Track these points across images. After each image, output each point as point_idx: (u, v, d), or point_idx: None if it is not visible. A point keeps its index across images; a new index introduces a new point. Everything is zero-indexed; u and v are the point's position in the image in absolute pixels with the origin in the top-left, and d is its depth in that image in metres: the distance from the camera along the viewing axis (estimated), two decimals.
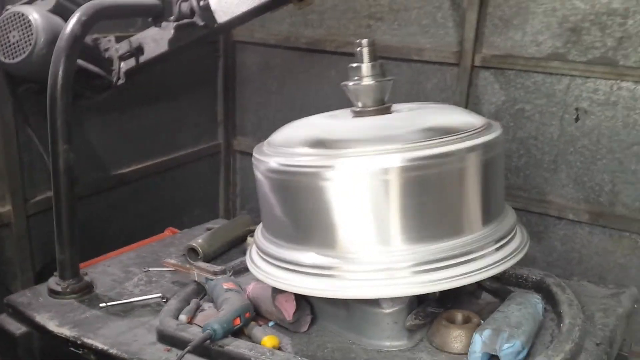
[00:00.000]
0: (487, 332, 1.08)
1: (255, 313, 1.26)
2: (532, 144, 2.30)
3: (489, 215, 1.15)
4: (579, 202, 2.28)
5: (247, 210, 2.93)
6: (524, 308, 1.17)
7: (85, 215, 1.49)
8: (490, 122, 1.22)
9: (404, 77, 2.46)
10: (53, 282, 1.48)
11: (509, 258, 1.13)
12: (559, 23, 2.14)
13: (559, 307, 1.22)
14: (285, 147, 1.16)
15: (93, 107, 1.98)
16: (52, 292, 1.46)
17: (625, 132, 2.08)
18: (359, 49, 1.20)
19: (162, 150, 2.54)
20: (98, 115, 2.13)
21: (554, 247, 2.37)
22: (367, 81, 1.20)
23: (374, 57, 1.20)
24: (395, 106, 1.27)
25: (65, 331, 1.31)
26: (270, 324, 1.28)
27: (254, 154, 1.24)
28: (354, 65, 1.21)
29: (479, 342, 1.07)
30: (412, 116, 1.21)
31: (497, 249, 1.12)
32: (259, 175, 1.22)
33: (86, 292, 1.47)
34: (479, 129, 1.14)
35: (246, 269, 1.40)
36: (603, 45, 2.10)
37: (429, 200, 1.09)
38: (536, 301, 1.22)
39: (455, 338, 1.14)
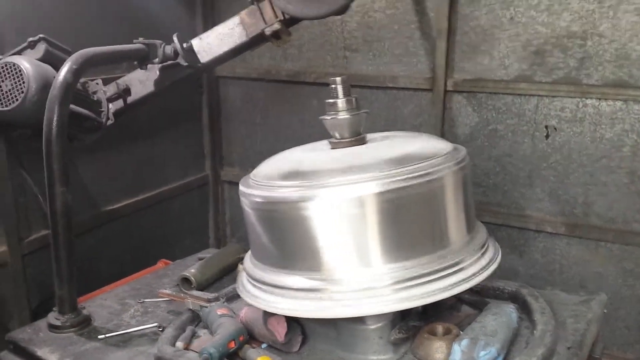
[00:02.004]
0: (465, 342, 1.16)
1: (248, 336, 1.32)
2: (507, 162, 2.40)
3: (461, 231, 1.23)
4: (555, 215, 2.37)
5: (237, 239, 3.00)
6: (499, 317, 1.25)
7: (79, 251, 1.55)
8: (456, 146, 1.31)
9: (382, 104, 2.56)
10: (52, 317, 1.53)
11: (483, 270, 1.21)
12: (523, 47, 2.26)
13: (532, 315, 1.31)
14: (269, 180, 1.25)
15: (82, 147, 2.04)
16: (52, 327, 1.51)
17: (593, 146, 2.19)
18: (333, 85, 1.30)
19: (152, 184, 2.60)
20: (88, 154, 2.20)
21: (536, 259, 2.45)
22: (343, 115, 1.30)
23: (348, 93, 1.30)
24: (369, 136, 1.36)
25: None
26: (264, 345, 1.34)
27: (241, 186, 1.32)
28: (331, 101, 1.31)
29: (458, 351, 1.15)
30: (385, 145, 1.30)
31: (471, 264, 1.20)
32: (245, 207, 1.30)
33: (85, 325, 1.53)
34: (446, 155, 1.23)
35: (238, 295, 1.47)
36: (566, 65, 2.22)
37: (404, 222, 1.17)
38: (511, 311, 1.30)
39: (436, 349, 1.21)
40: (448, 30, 2.32)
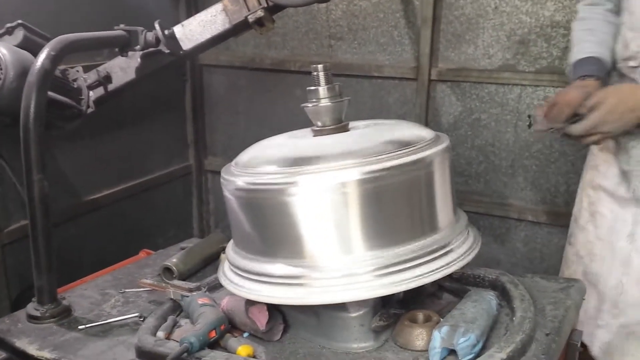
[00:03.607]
0: (444, 329, 1.16)
1: (230, 325, 1.32)
2: (490, 151, 2.42)
3: (442, 219, 1.24)
4: (537, 204, 2.40)
5: (222, 228, 2.99)
6: (479, 305, 1.26)
7: (59, 241, 1.53)
8: (438, 134, 1.31)
9: (367, 93, 2.56)
10: (31, 307, 1.51)
11: (460, 258, 1.22)
12: (507, 36, 2.27)
13: (512, 302, 1.32)
14: (251, 167, 1.24)
15: (63, 135, 2.02)
16: (31, 318, 1.50)
17: None
18: (315, 73, 1.29)
19: (134, 173, 2.58)
20: (68, 142, 2.17)
21: (517, 248, 2.48)
22: (325, 102, 1.29)
23: (329, 80, 1.29)
24: (352, 124, 1.36)
25: (46, 354, 1.35)
26: (245, 334, 1.34)
27: (222, 174, 1.31)
28: (312, 88, 1.30)
29: (438, 338, 1.15)
30: (367, 133, 1.29)
31: (449, 251, 1.21)
32: (227, 194, 1.29)
33: (65, 316, 1.51)
34: (428, 142, 1.23)
35: (220, 285, 1.46)
36: (549, 55, 2.24)
37: (386, 209, 1.17)
38: (490, 298, 1.31)
39: (417, 336, 1.22)
40: (433, 18, 2.32)
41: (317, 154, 1.19)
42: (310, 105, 1.30)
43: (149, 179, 2.66)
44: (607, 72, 1.64)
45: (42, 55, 1.49)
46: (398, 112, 2.51)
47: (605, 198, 1.74)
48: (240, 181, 1.23)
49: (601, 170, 1.75)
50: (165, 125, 2.75)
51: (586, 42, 1.71)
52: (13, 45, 1.71)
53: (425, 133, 1.28)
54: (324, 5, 2.50)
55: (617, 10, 1.71)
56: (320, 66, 1.28)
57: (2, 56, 1.64)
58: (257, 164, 1.24)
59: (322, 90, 1.29)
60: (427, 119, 2.44)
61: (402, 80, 2.47)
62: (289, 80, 2.68)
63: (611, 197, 1.71)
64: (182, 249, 1.86)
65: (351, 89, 2.52)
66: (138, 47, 1.81)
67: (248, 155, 1.31)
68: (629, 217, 1.66)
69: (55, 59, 1.50)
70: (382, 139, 1.20)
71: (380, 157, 1.14)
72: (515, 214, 2.42)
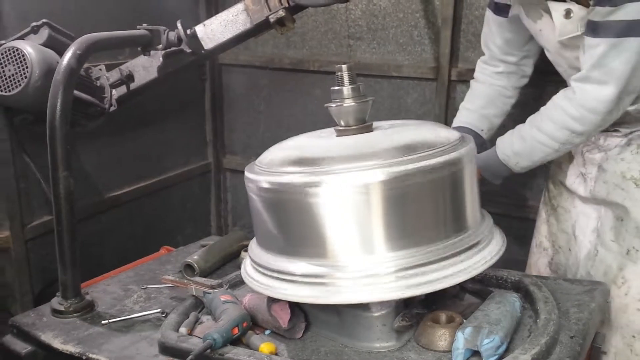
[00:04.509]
0: (468, 330, 1.16)
1: (252, 322, 1.33)
2: None
3: (465, 222, 1.23)
4: None
5: (239, 227, 3.00)
6: (503, 306, 1.26)
7: (81, 237, 1.56)
8: (463, 135, 1.31)
9: (386, 93, 2.55)
10: (56, 302, 1.53)
11: (485, 261, 1.21)
12: None
13: (535, 304, 1.31)
14: (275, 167, 1.24)
15: (85, 133, 2.04)
16: (55, 312, 1.52)
17: None
18: (339, 73, 1.29)
19: (154, 171, 2.60)
20: (90, 140, 2.19)
21: None
22: (349, 102, 1.29)
23: (353, 80, 1.29)
24: (376, 124, 1.36)
25: (70, 348, 1.37)
26: (267, 332, 1.35)
27: (246, 173, 1.31)
28: (336, 88, 1.30)
29: (462, 339, 1.15)
30: (391, 133, 1.29)
31: (473, 254, 1.20)
32: (251, 193, 1.30)
33: (88, 311, 1.53)
34: (454, 143, 1.23)
35: (241, 282, 1.47)
36: None
37: (410, 211, 1.17)
38: (514, 299, 1.30)
39: (440, 337, 1.22)
40: (453, 18, 2.31)
41: (342, 155, 1.19)
42: (334, 105, 1.31)
43: (168, 177, 2.68)
44: (478, 143, 1.69)
45: (69, 54, 1.51)
46: (417, 112, 2.50)
47: (567, 195, 1.82)
48: (264, 180, 1.24)
49: (563, 169, 1.83)
50: (185, 123, 2.77)
51: (463, 110, 1.89)
52: (38, 44, 1.74)
53: (451, 134, 1.27)
54: (343, 5, 2.50)
55: (512, 71, 1.85)
56: (344, 66, 1.28)
57: (28, 55, 1.66)
58: (280, 164, 1.25)
59: (347, 90, 1.29)
60: (446, 120, 2.42)
61: (421, 80, 2.46)
62: (307, 80, 2.68)
63: (573, 194, 1.79)
64: (203, 246, 1.88)
65: (370, 89, 2.52)
66: (160, 46, 1.83)
67: (272, 154, 1.31)
68: (592, 213, 1.71)
69: (81, 58, 1.53)
70: (407, 140, 1.20)
71: (405, 158, 1.14)
72: (534, 215, 2.40)
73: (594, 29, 1.41)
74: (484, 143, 1.86)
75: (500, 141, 1.72)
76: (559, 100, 1.56)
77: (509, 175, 1.76)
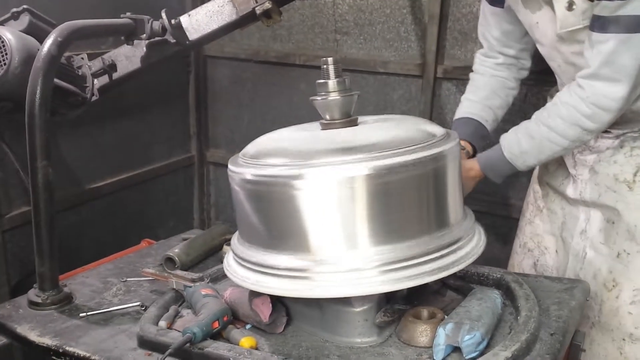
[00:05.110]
0: (449, 326, 1.16)
1: (232, 317, 1.31)
2: None
3: (448, 218, 1.23)
4: None
5: (222, 221, 2.98)
6: (484, 303, 1.26)
7: (60, 228, 1.53)
8: (448, 131, 1.31)
9: (371, 89, 2.55)
10: (33, 294, 1.50)
11: (468, 257, 1.21)
12: None
13: (516, 301, 1.31)
14: (259, 159, 1.23)
15: (66, 122, 2.01)
16: (32, 304, 1.49)
17: None
18: (325, 66, 1.28)
19: (136, 163, 2.57)
20: (71, 130, 2.16)
21: None
22: (334, 96, 1.28)
23: (339, 74, 1.29)
24: (361, 118, 1.35)
25: (47, 341, 1.34)
26: (248, 326, 1.33)
27: (229, 165, 1.30)
28: (322, 81, 1.29)
29: (443, 335, 1.15)
30: (376, 128, 1.29)
31: (457, 249, 1.20)
32: (234, 185, 1.28)
33: (66, 303, 1.50)
34: (439, 138, 1.22)
35: (223, 276, 1.46)
36: None
37: (394, 205, 1.16)
38: (495, 296, 1.31)
39: (421, 333, 1.22)
40: (440, 15, 2.31)
41: (326, 148, 1.18)
42: (319, 98, 1.29)
43: (151, 169, 2.65)
44: (482, 134, 1.73)
45: (49, 41, 1.48)
46: (402, 108, 2.50)
47: (554, 196, 1.80)
48: (247, 172, 1.23)
49: (550, 170, 1.82)
50: (168, 115, 2.74)
51: (466, 101, 1.84)
52: (18, 31, 1.70)
53: (436, 129, 1.27)
54: None
55: (512, 63, 1.82)
56: (330, 59, 1.27)
57: (7, 41, 1.63)
58: (264, 156, 1.23)
59: (332, 83, 1.28)
60: (431, 117, 2.43)
61: (407, 77, 2.46)
62: (293, 73, 2.67)
63: (561, 196, 1.78)
64: (184, 239, 1.86)
65: (356, 84, 2.51)
66: (144, 36, 1.80)
67: (256, 146, 1.30)
68: (580, 215, 1.71)
69: (62, 45, 1.49)
70: (391, 135, 1.20)
71: (389, 152, 1.14)
72: (517, 214, 2.41)
73: (602, 24, 1.37)
74: (488, 135, 1.82)
75: (505, 140, 1.67)
76: (566, 97, 1.51)
77: (511, 174, 1.72)
